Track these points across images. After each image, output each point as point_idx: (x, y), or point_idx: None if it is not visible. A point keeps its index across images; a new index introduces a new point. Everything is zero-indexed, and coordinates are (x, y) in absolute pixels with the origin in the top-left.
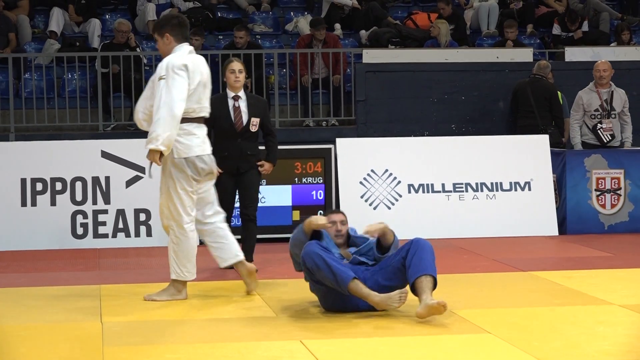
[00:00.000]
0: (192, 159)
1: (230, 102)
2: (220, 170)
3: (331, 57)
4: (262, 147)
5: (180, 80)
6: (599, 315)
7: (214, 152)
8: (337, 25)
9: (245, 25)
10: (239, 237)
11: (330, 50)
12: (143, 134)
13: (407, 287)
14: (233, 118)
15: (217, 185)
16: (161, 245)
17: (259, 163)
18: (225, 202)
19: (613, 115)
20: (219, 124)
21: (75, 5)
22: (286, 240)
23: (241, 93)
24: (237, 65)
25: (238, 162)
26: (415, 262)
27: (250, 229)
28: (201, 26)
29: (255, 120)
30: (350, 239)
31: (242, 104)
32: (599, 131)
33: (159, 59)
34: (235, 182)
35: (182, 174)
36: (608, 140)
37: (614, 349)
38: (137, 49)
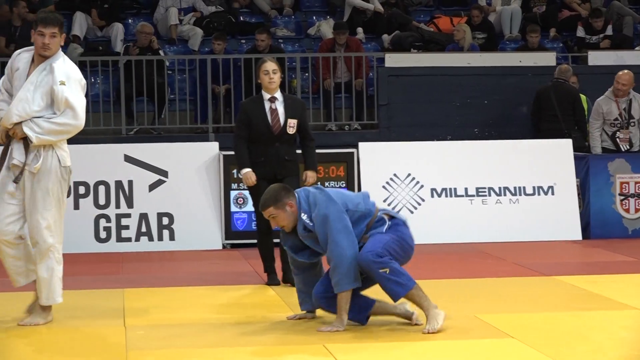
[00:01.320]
0: (70, 169)
1: (267, 105)
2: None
3: (353, 61)
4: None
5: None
6: (623, 320)
7: (250, 158)
8: (360, 29)
9: (268, 29)
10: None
11: (352, 54)
12: (166, 139)
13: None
14: (270, 120)
15: (255, 193)
16: (184, 249)
17: (303, 178)
18: None
19: (632, 124)
20: (255, 127)
21: (98, 9)
22: None
23: (278, 94)
24: (271, 66)
25: (275, 167)
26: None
27: None
28: (223, 30)
29: (293, 122)
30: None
31: (279, 106)
32: (616, 139)
33: (182, 62)
34: None
35: (66, 184)
36: (626, 149)
37: (637, 353)
38: (160, 52)
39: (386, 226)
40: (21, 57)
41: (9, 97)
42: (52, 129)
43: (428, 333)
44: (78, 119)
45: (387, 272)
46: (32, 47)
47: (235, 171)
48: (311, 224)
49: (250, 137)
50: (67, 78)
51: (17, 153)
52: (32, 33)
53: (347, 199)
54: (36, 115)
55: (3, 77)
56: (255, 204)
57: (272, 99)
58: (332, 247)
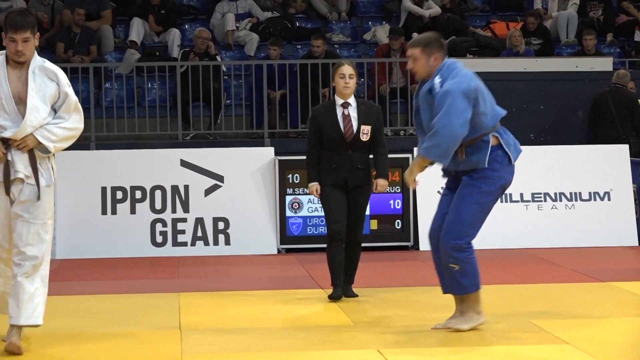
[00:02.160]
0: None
1: (339, 110)
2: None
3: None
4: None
5: None
6: None
7: (322, 165)
8: (415, 35)
9: (323, 34)
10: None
11: (408, 59)
12: (222, 144)
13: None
14: (342, 127)
15: (327, 200)
16: (240, 253)
17: (373, 185)
18: (339, 218)
19: None
20: (327, 135)
21: (155, 15)
22: (363, 249)
23: (351, 100)
24: (347, 70)
25: (347, 176)
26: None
27: (355, 251)
28: (279, 36)
29: (366, 129)
30: None
31: (352, 112)
32: None
33: (238, 68)
34: (345, 198)
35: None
36: None
37: None
38: (217, 58)
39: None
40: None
41: None
42: (65, 135)
43: (436, 328)
44: (82, 122)
45: (456, 269)
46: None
47: (290, 176)
48: (437, 91)
49: (323, 144)
50: (66, 80)
51: (20, 166)
52: (2, 36)
53: (487, 100)
54: (44, 122)
55: None
56: (327, 212)
57: (345, 105)
58: (444, 119)
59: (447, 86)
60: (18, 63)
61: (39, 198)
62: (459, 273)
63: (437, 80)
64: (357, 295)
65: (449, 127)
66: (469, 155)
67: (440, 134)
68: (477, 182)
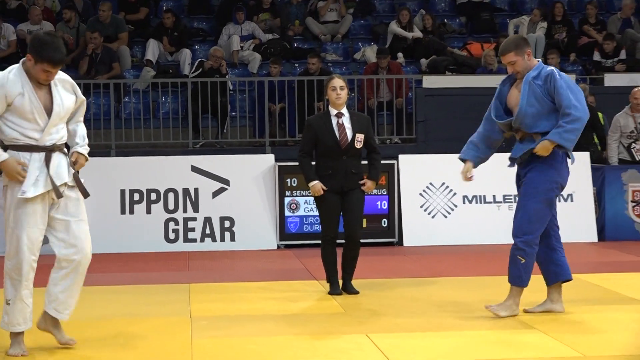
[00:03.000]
0: None
1: (334, 120)
2: (324, 188)
3: (394, 82)
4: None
5: None
6: (634, 314)
7: (318, 172)
8: (400, 54)
9: (318, 53)
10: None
11: (393, 76)
12: (228, 151)
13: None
14: (337, 135)
15: (322, 204)
16: (244, 249)
17: (361, 182)
18: (332, 221)
19: None
20: (322, 142)
21: (168, 37)
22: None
23: (344, 110)
24: (338, 82)
25: (342, 180)
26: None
27: (354, 249)
28: (279, 55)
29: (360, 136)
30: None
31: (346, 121)
32: (632, 150)
33: (242, 84)
34: (340, 202)
35: None
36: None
37: None
38: (226, 76)
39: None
40: (13, 84)
41: None
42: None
43: (490, 308)
44: None
45: (523, 262)
46: (15, 67)
47: (289, 180)
48: (547, 71)
49: (318, 151)
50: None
51: (62, 171)
52: (29, 58)
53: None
54: (63, 133)
55: None
56: (321, 214)
57: (339, 115)
58: (576, 101)
59: (551, 75)
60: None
61: (87, 195)
62: (523, 266)
63: (533, 73)
64: (357, 292)
65: (582, 119)
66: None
67: (579, 125)
68: (538, 180)
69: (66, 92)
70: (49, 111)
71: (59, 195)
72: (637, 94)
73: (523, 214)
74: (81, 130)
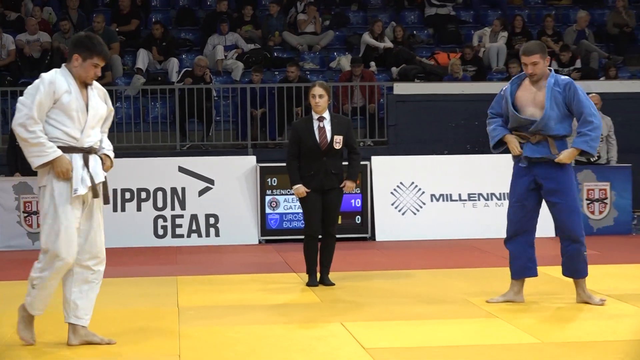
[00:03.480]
0: None
1: (315, 124)
2: (307, 190)
3: (367, 89)
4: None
5: None
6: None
7: (301, 172)
8: (372, 63)
9: (297, 62)
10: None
11: (366, 83)
12: (213, 153)
13: None
14: (318, 138)
15: (306, 203)
16: (227, 243)
17: (341, 185)
18: (315, 218)
19: (601, 139)
20: (305, 144)
21: (157, 47)
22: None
23: (326, 114)
24: (317, 91)
25: (323, 179)
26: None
27: (330, 244)
28: (260, 64)
29: (339, 138)
30: None
31: (327, 125)
32: None
33: (226, 91)
34: (321, 200)
35: None
36: (595, 160)
37: (599, 331)
38: (210, 83)
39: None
40: (61, 82)
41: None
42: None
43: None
44: None
45: (586, 254)
46: (59, 70)
47: (269, 179)
48: (565, 81)
49: (301, 153)
50: None
51: (100, 174)
52: (76, 58)
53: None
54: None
55: (37, 107)
56: (306, 214)
57: (321, 119)
58: (594, 110)
59: (570, 84)
60: (84, 83)
61: (107, 202)
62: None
63: (552, 80)
64: (333, 284)
65: (601, 124)
66: (557, 148)
67: (599, 129)
68: (571, 182)
69: (100, 99)
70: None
71: (96, 195)
72: (592, 100)
73: (577, 217)
74: (106, 139)
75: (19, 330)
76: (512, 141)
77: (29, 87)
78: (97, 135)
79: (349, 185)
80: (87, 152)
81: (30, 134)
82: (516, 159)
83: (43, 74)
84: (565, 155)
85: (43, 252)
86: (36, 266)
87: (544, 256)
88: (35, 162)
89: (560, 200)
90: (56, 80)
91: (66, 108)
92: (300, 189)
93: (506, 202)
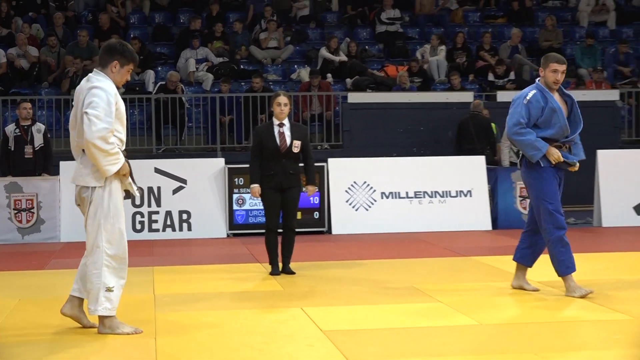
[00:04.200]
0: None
1: (276, 129)
2: (260, 193)
3: (324, 98)
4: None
5: None
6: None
7: (262, 171)
8: (329, 75)
9: (261, 74)
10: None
11: (323, 93)
12: (185, 155)
13: None
14: (278, 142)
15: (266, 200)
16: (198, 237)
17: (303, 190)
18: (274, 214)
19: None
20: (266, 147)
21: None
22: (296, 233)
23: (285, 121)
24: (283, 100)
25: (282, 179)
26: None
27: (290, 237)
28: (228, 75)
29: (297, 143)
30: None
31: (286, 130)
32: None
33: (197, 99)
34: (280, 197)
35: None
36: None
37: (532, 313)
38: (183, 93)
39: None
40: (116, 92)
41: None
42: None
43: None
44: None
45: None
46: (103, 78)
47: (236, 179)
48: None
49: (263, 155)
50: None
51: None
52: (115, 65)
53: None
54: None
55: (111, 115)
56: (266, 210)
57: (281, 125)
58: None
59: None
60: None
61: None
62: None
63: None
64: (294, 273)
65: None
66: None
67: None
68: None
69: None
70: None
71: (132, 195)
72: None
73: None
74: None
75: (122, 334)
76: (556, 151)
77: (95, 98)
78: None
79: (311, 189)
80: (124, 155)
81: (110, 146)
82: (547, 163)
83: (100, 84)
84: (577, 167)
85: (105, 251)
86: (104, 272)
87: (484, 247)
88: (111, 169)
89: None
90: (114, 91)
91: (121, 116)
92: (256, 189)
93: (448, 199)
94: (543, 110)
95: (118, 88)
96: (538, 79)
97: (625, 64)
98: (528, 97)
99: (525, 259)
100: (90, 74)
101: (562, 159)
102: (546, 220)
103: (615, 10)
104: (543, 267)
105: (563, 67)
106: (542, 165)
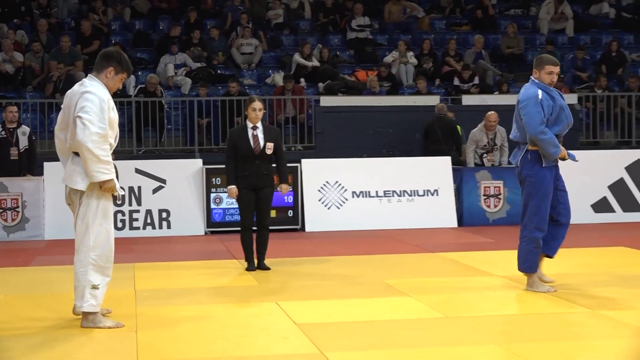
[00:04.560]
0: None
1: (250, 132)
2: (237, 193)
3: (298, 102)
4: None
5: None
6: (485, 283)
7: (237, 172)
8: (302, 79)
9: (237, 79)
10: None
11: (297, 97)
12: (165, 156)
13: None
14: (252, 144)
15: (241, 199)
16: (177, 234)
17: (277, 190)
18: (248, 213)
19: (495, 149)
20: (240, 149)
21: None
22: (270, 230)
23: (259, 124)
24: (258, 105)
25: (255, 179)
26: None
27: (264, 235)
28: (206, 80)
29: (270, 145)
30: None
31: (259, 133)
32: (484, 159)
33: (176, 103)
34: (254, 197)
35: None
36: (490, 166)
37: (496, 306)
38: (162, 97)
39: None
40: (109, 98)
41: None
42: None
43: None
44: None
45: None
46: (96, 83)
47: (214, 179)
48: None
49: (237, 156)
50: None
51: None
52: (110, 71)
53: None
54: None
55: (104, 121)
56: (241, 209)
57: (254, 127)
58: None
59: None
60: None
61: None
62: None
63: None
64: (269, 268)
65: None
66: None
67: None
68: None
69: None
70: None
71: (119, 198)
72: (491, 118)
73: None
74: None
75: (103, 328)
76: (564, 149)
77: (87, 103)
78: (116, 143)
79: (284, 188)
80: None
81: (103, 152)
82: (548, 163)
83: (93, 89)
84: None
85: (92, 250)
86: (90, 271)
87: (450, 243)
88: (99, 177)
89: (565, 189)
90: (107, 97)
91: (113, 122)
92: (233, 190)
93: (416, 198)
94: (553, 108)
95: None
96: (531, 79)
97: (582, 69)
98: (540, 97)
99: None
100: (84, 79)
101: (567, 157)
102: (531, 218)
103: (573, 19)
104: (508, 262)
105: (557, 69)
106: (544, 165)
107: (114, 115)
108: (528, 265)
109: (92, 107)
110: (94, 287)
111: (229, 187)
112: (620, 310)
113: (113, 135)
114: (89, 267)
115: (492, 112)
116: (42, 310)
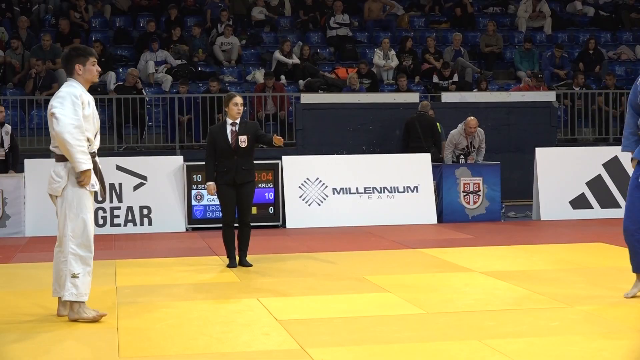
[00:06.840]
0: None
1: (229, 128)
2: (215, 189)
3: (278, 99)
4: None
5: None
6: (465, 279)
7: (217, 168)
8: (283, 77)
9: (218, 76)
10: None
11: (277, 94)
12: (146, 153)
13: None
14: (230, 140)
15: (221, 196)
16: (159, 231)
17: (274, 142)
18: (229, 209)
19: (473, 151)
20: (219, 145)
21: (97, 61)
22: (251, 227)
23: (238, 120)
24: (239, 100)
25: (235, 175)
26: None
27: (246, 231)
28: (186, 77)
29: (243, 137)
30: None
31: (237, 128)
32: (461, 161)
33: (157, 100)
34: (235, 193)
35: None
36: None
37: (476, 302)
38: (142, 92)
39: None
40: (84, 94)
41: None
42: None
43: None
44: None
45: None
46: (73, 83)
47: (195, 176)
48: None
49: (217, 152)
50: None
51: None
52: (78, 67)
53: None
54: None
55: (78, 113)
56: (222, 205)
57: (234, 124)
58: None
59: None
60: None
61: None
62: None
63: None
64: (251, 265)
65: None
66: None
67: None
68: None
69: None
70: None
71: (103, 194)
72: (471, 123)
73: None
74: None
75: (86, 320)
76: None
77: (57, 99)
78: (98, 141)
79: (277, 138)
80: (93, 155)
81: (79, 142)
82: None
83: (63, 89)
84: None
85: (70, 240)
86: (70, 260)
87: (430, 240)
88: (81, 167)
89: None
90: (79, 93)
91: (89, 117)
92: (211, 186)
93: (396, 194)
94: None
95: (94, 84)
96: None
97: (560, 67)
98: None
99: None
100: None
101: None
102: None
103: (551, 17)
104: (487, 258)
105: None
106: None
107: (89, 111)
108: None
109: (63, 102)
110: (74, 276)
111: (208, 183)
112: (598, 305)
113: (92, 131)
114: (69, 256)
115: (472, 117)
116: (23, 305)
